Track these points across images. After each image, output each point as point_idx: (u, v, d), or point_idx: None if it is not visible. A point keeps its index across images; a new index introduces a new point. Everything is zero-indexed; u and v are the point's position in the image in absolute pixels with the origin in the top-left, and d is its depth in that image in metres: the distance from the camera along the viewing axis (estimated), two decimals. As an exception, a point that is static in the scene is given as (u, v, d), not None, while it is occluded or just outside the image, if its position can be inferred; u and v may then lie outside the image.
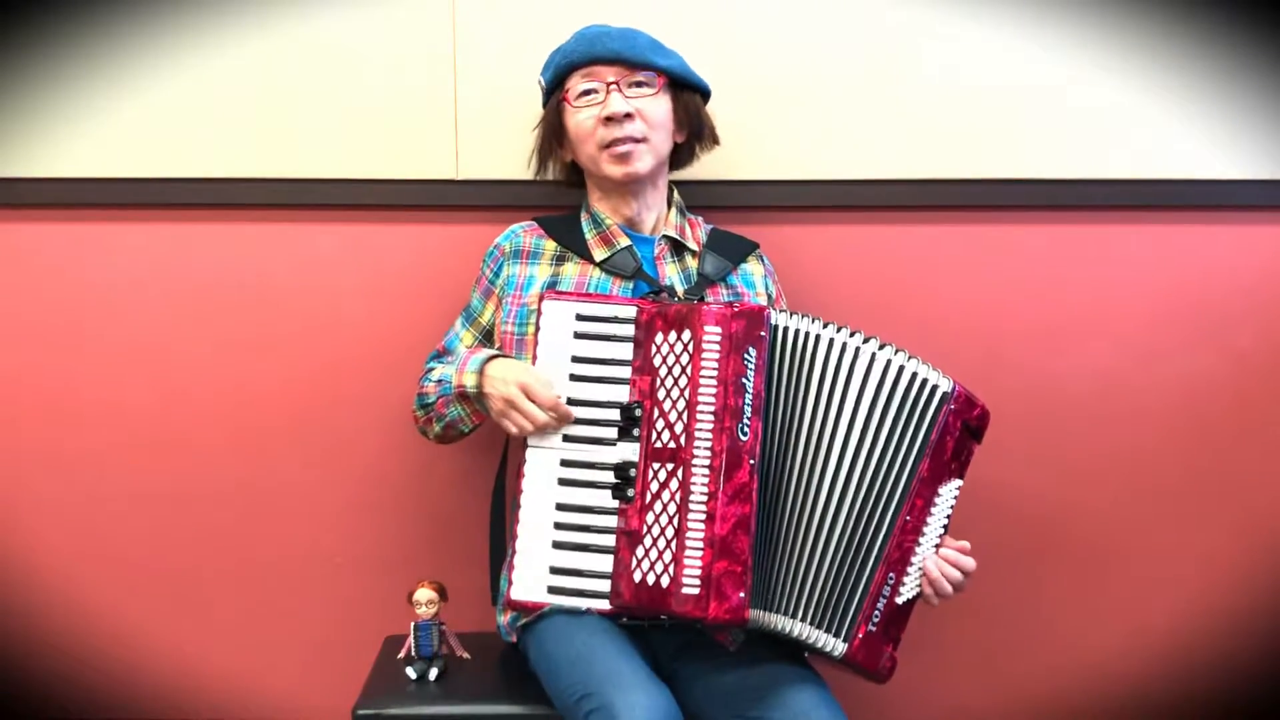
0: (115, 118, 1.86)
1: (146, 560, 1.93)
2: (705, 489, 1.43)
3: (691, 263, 1.72)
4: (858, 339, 1.52)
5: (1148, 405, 1.97)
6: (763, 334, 1.47)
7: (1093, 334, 1.96)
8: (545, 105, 1.73)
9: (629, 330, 1.53)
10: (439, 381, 1.68)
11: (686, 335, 1.47)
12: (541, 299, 1.57)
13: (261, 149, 1.87)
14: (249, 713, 1.96)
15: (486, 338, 1.73)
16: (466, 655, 1.69)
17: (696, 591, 1.42)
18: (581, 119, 1.66)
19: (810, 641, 1.50)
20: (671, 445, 1.46)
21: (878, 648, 1.51)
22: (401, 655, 1.66)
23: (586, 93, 1.66)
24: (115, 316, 1.90)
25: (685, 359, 1.47)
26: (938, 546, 1.55)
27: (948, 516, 1.56)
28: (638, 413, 1.50)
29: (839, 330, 1.52)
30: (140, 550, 1.93)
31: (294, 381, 1.92)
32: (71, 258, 1.89)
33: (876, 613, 1.50)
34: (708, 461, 1.44)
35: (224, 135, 1.87)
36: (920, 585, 1.54)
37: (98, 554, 1.93)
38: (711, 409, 1.44)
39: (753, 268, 1.76)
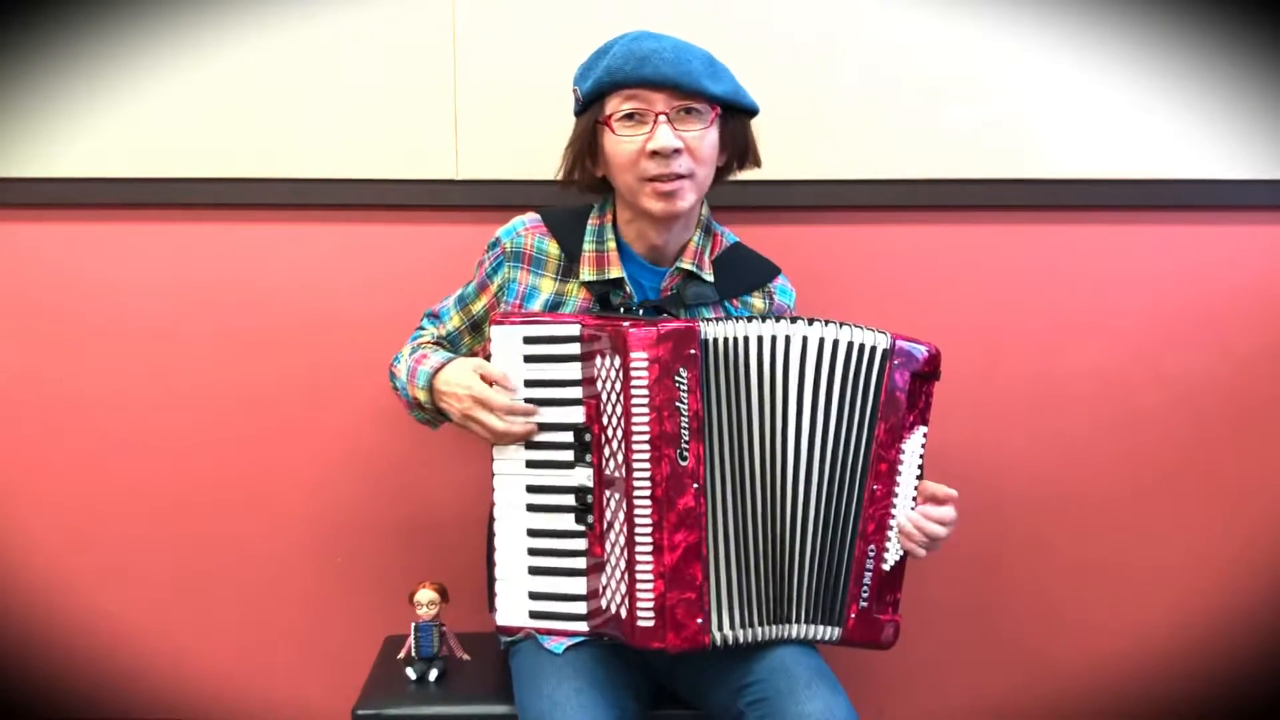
0: (115, 118, 1.86)
1: (146, 560, 1.93)
2: (649, 520, 1.42)
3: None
4: (785, 325, 1.44)
5: (1148, 405, 1.97)
6: (693, 352, 1.41)
7: (1093, 333, 1.96)
8: (579, 115, 1.57)
9: (574, 349, 1.48)
10: (401, 382, 1.63)
11: (618, 361, 1.42)
12: (491, 323, 1.52)
13: (261, 149, 1.87)
14: (249, 713, 1.96)
15: (474, 328, 1.69)
16: (466, 656, 1.69)
17: (652, 624, 1.42)
18: (624, 147, 1.50)
19: (806, 637, 1.49)
20: (617, 474, 1.44)
21: (873, 620, 1.49)
22: (401, 655, 1.67)
23: (630, 117, 1.49)
24: (115, 316, 1.90)
25: (619, 386, 1.43)
26: (915, 499, 1.49)
27: (919, 467, 1.50)
28: (587, 437, 1.47)
29: (776, 323, 1.44)
30: (140, 550, 1.93)
31: (294, 381, 1.92)
32: (71, 258, 1.90)
33: (864, 588, 1.48)
34: (648, 491, 1.42)
35: (224, 135, 1.87)
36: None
37: (97, 554, 1.93)
38: (647, 437, 1.41)
39: (757, 302, 1.66)
